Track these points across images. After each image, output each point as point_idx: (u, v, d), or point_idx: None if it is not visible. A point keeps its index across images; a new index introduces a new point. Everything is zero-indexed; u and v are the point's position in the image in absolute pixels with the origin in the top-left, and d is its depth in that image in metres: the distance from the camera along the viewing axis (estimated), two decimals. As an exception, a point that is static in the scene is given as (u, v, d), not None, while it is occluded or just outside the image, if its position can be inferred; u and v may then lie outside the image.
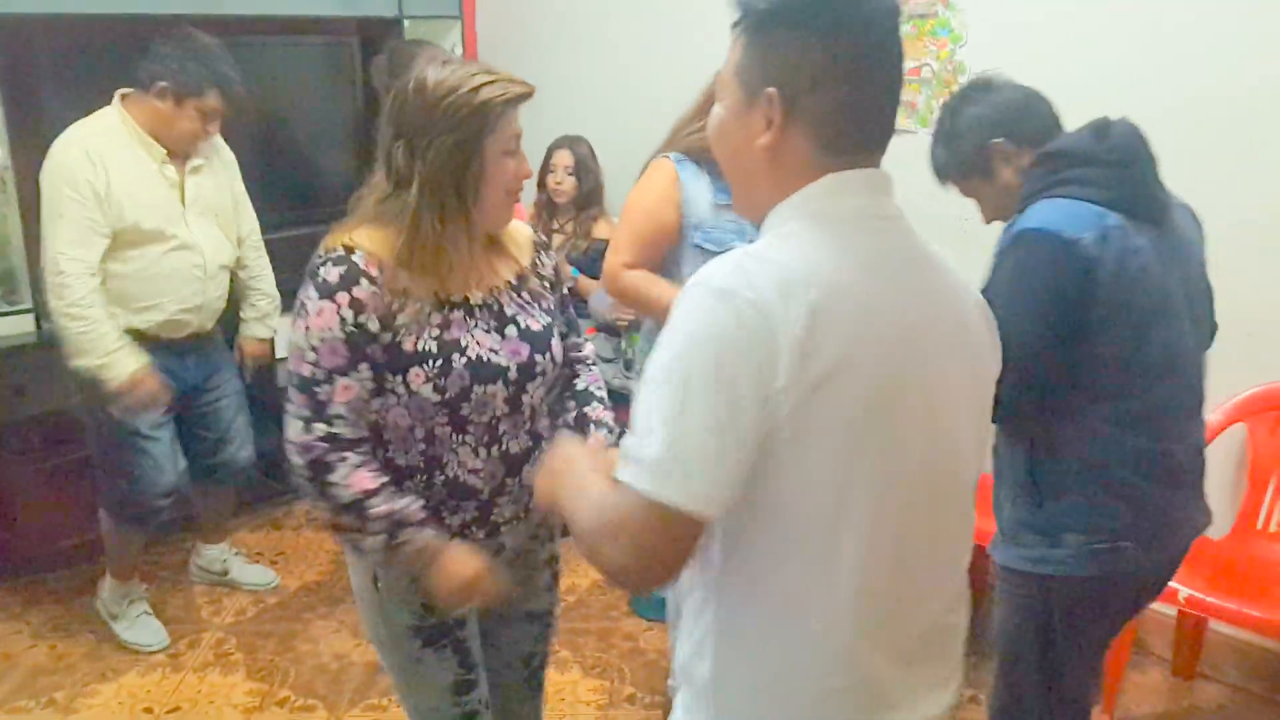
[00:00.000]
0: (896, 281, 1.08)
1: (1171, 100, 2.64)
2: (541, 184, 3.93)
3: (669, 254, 2.32)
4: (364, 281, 1.51)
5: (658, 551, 1.01)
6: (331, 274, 1.51)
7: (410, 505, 1.57)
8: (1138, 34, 2.69)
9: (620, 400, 3.76)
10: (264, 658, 2.98)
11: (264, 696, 2.80)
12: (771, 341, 0.97)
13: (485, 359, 1.58)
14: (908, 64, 3.29)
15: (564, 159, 3.85)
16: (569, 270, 3.83)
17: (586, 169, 3.87)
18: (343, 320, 1.49)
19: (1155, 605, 2.57)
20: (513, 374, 1.61)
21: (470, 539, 1.65)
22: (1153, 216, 1.71)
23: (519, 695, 1.95)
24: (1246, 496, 2.71)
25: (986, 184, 1.83)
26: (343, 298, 1.50)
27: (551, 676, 2.85)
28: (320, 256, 1.54)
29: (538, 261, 1.74)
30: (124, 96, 2.73)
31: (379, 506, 1.53)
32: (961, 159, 1.85)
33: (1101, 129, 1.73)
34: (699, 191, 2.26)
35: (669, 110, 2.38)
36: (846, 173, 1.08)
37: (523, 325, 1.65)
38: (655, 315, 2.32)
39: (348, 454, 1.53)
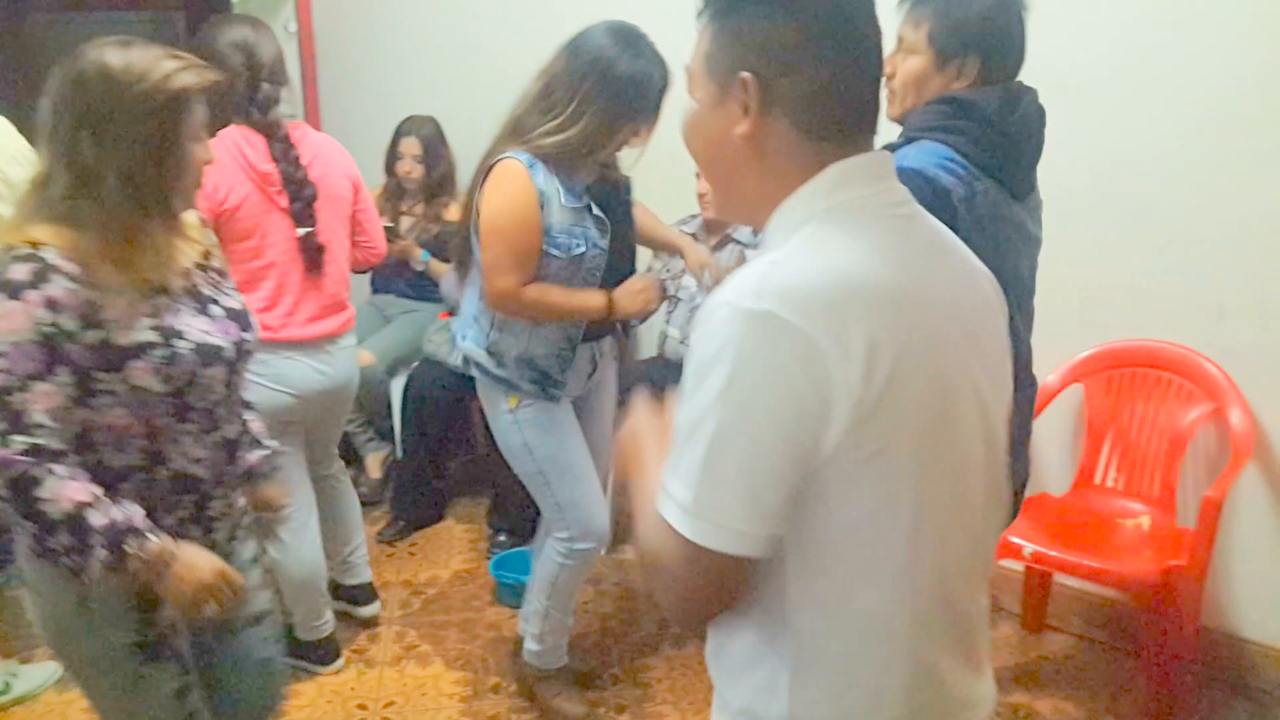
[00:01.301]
0: (927, 275, 1.02)
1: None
2: (390, 169, 3.80)
3: None
4: (58, 279, 1.40)
5: (699, 591, 0.99)
6: (19, 272, 1.39)
7: (131, 511, 1.46)
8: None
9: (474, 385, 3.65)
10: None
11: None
12: (820, 366, 0.91)
13: (205, 342, 1.54)
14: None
15: (411, 147, 3.74)
16: (418, 253, 3.71)
17: (435, 154, 3.76)
18: (37, 321, 1.38)
19: (1004, 561, 2.67)
20: (230, 353, 1.59)
21: (186, 538, 1.57)
22: (1019, 195, 1.75)
23: (261, 707, 1.86)
24: (1084, 453, 2.82)
25: (925, 70, 1.70)
26: (34, 296, 1.38)
27: (412, 671, 2.80)
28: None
29: (210, 242, 1.71)
30: None
31: (98, 519, 1.41)
32: (943, 32, 1.69)
33: (1012, 101, 1.72)
34: (550, 195, 2.19)
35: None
36: (848, 161, 1.01)
37: (224, 305, 1.63)
38: (566, 319, 2.31)
39: (53, 466, 1.40)
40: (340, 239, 2.60)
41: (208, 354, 1.54)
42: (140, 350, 1.46)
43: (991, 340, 1.10)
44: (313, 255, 2.49)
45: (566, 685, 2.62)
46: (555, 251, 2.21)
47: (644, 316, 2.42)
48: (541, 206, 2.17)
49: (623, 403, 2.61)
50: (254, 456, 1.77)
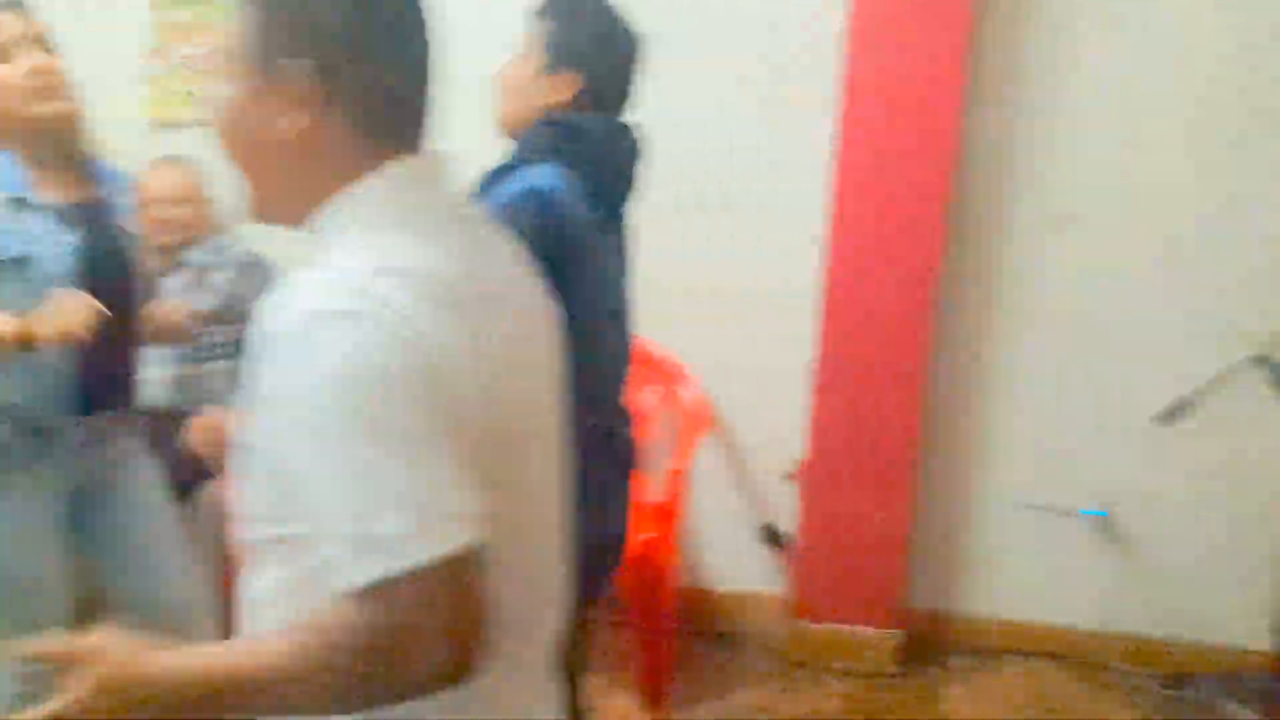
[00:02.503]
0: (498, 276, 1.00)
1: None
2: None
3: None
4: None
5: (461, 616, 0.82)
6: None
7: None
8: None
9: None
10: None
11: None
12: (432, 355, 0.84)
13: None
14: (190, 51, 3.09)
15: None
16: None
17: None
18: None
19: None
20: None
21: None
22: (617, 223, 1.80)
23: None
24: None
25: (529, 73, 1.71)
26: None
27: None
28: None
29: None
30: None
31: None
32: (557, 40, 1.70)
33: (623, 131, 1.76)
34: None
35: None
36: (410, 161, 0.96)
37: None
38: None
39: None
40: None
41: None
42: None
43: (547, 341, 1.08)
44: None
45: None
46: None
47: (70, 343, 1.75)
48: None
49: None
50: None
